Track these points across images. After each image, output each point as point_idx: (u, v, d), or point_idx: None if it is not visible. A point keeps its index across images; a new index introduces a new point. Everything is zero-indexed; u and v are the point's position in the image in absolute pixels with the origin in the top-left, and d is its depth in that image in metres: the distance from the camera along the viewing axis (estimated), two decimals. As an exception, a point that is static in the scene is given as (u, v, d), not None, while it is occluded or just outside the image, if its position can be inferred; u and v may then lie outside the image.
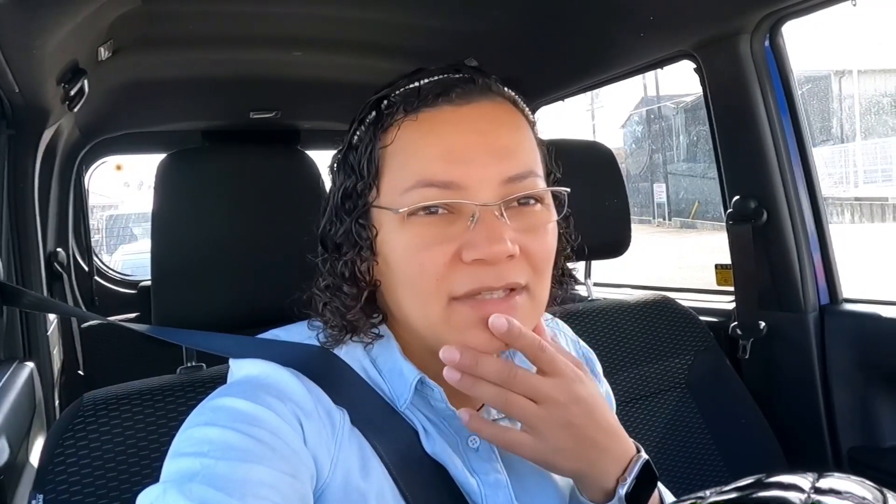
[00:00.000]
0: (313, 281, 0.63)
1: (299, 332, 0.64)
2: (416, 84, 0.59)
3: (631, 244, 1.33)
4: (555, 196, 0.62)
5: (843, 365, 1.34)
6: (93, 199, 2.68)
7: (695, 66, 1.46)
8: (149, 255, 0.81)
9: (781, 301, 1.41)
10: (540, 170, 0.60)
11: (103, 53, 1.36)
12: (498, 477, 0.62)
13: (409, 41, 1.62)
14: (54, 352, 1.49)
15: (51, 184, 1.97)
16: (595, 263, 1.41)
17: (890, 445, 1.30)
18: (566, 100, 1.94)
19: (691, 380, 1.32)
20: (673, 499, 0.68)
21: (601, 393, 0.62)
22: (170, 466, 0.51)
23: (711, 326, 1.42)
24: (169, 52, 1.58)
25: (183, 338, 0.77)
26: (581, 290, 1.42)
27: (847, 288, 1.43)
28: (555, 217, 0.60)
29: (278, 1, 1.40)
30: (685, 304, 1.43)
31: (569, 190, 0.62)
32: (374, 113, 0.60)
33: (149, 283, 0.83)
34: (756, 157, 1.38)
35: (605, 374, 0.81)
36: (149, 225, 0.82)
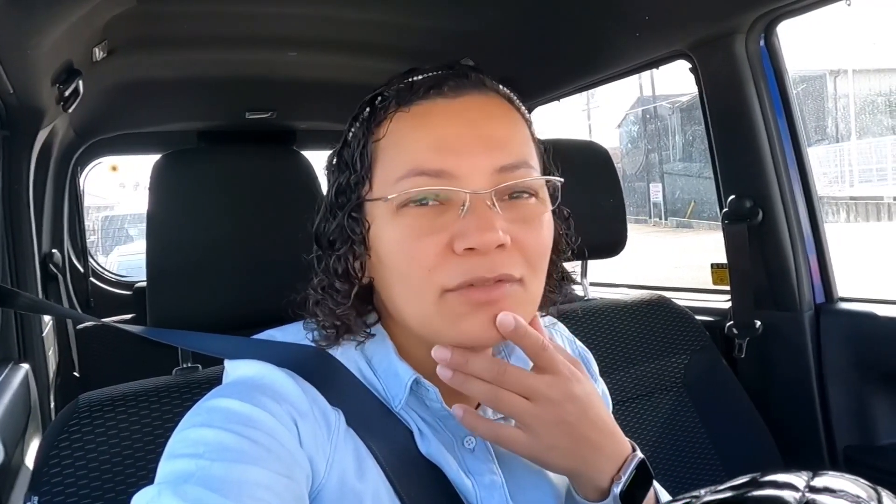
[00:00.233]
0: (309, 281, 0.63)
1: (295, 333, 0.64)
2: (409, 80, 0.59)
3: (627, 244, 1.33)
4: (551, 192, 0.62)
5: (839, 364, 1.35)
6: (88, 200, 2.67)
7: (690, 65, 1.46)
8: (144, 257, 0.81)
9: (777, 300, 1.42)
10: (534, 162, 0.60)
11: (98, 54, 1.35)
12: (493, 478, 0.62)
13: (404, 41, 1.62)
14: (49, 353, 1.49)
15: (46, 185, 1.96)
16: (591, 263, 1.41)
17: (885, 444, 1.31)
18: (562, 100, 1.94)
19: (688, 379, 1.32)
20: (669, 498, 0.68)
21: (597, 392, 0.62)
22: (165, 468, 0.50)
23: (707, 326, 1.42)
24: (164, 52, 1.58)
25: (178, 339, 0.77)
26: (577, 290, 1.43)
27: (843, 287, 1.43)
28: (549, 210, 0.60)
29: (274, 1, 1.39)
30: (681, 303, 1.43)
31: (562, 180, 0.62)
32: (367, 110, 0.60)
33: (144, 284, 0.83)
34: (751, 157, 1.39)
35: (602, 374, 0.81)
36: (144, 226, 0.81)
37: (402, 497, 0.57)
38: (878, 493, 0.32)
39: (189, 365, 0.89)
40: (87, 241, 2.54)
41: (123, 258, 6.28)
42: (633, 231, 1.42)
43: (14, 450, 1.04)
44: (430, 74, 0.59)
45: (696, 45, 1.40)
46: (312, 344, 0.62)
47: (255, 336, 0.65)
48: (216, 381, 0.62)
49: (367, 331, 0.62)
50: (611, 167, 1.33)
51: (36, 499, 0.72)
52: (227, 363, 0.64)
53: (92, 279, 2.47)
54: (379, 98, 0.60)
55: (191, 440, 0.52)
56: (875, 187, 12.83)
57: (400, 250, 0.56)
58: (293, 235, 0.67)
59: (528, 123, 0.63)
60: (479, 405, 0.63)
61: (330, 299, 0.60)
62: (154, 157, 0.84)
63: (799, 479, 0.32)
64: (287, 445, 0.53)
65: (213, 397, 0.56)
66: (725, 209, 1.44)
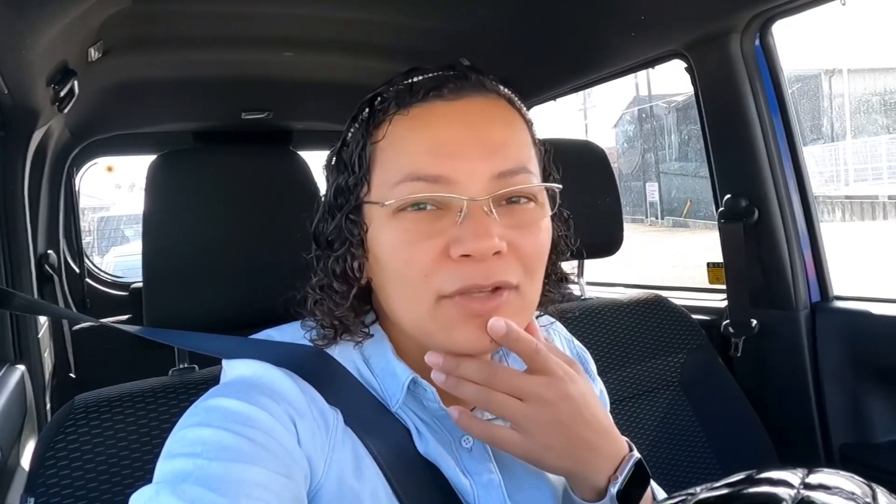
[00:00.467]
0: (307, 280, 0.63)
1: (293, 332, 0.64)
2: (409, 81, 0.59)
3: (624, 243, 1.33)
4: (550, 195, 0.62)
5: (835, 362, 1.35)
6: (84, 201, 2.67)
7: (686, 65, 1.47)
8: (140, 257, 0.81)
9: (773, 299, 1.42)
10: (534, 167, 0.60)
11: (93, 54, 1.35)
12: (491, 477, 0.62)
13: (400, 41, 1.62)
14: (45, 354, 1.48)
15: (41, 185, 1.95)
16: (588, 263, 1.42)
17: (881, 441, 1.31)
18: (558, 99, 1.94)
19: (684, 378, 1.32)
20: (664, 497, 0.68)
21: (594, 392, 0.62)
22: (163, 467, 0.50)
23: (704, 325, 1.43)
24: (159, 52, 1.57)
25: (175, 339, 0.77)
26: (574, 290, 1.43)
27: (838, 285, 1.44)
28: (548, 215, 0.60)
29: (269, 1, 1.39)
30: (678, 302, 1.43)
31: (560, 186, 0.62)
32: (367, 111, 0.60)
33: (140, 284, 0.82)
34: (747, 156, 1.39)
35: (598, 373, 0.81)
36: (140, 227, 0.81)
37: (400, 496, 0.57)
38: (873, 490, 0.32)
39: (186, 365, 0.89)
40: (83, 241, 2.54)
41: (120, 259, 6.27)
42: (630, 230, 1.43)
43: (10, 451, 1.03)
44: (430, 75, 0.59)
45: (692, 44, 1.40)
46: (310, 344, 0.62)
47: (253, 336, 0.65)
48: (213, 381, 0.62)
49: (365, 331, 0.62)
50: (607, 167, 1.33)
51: (32, 500, 0.72)
52: (224, 363, 0.63)
53: (88, 280, 2.47)
54: (378, 99, 0.59)
55: (189, 439, 0.52)
56: (870, 186, 12.87)
57: (396, 254, 0.56)
58: (290, 236, 0.67)
59: (529, 125, 0.63)
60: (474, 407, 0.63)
61: (328, 299, 0.60)
62: (150, 158, 0.84)
63: (794, 476, 0.32)
64: (285, 445, 0.53)
65: (211, 397, 0.56)
66: (721, 208, 1.45)
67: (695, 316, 1.43)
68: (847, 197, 12.63)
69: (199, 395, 0.57)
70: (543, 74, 1.78)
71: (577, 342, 0.81)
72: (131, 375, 0.87)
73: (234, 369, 0.61)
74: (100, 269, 2.72)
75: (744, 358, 1.44)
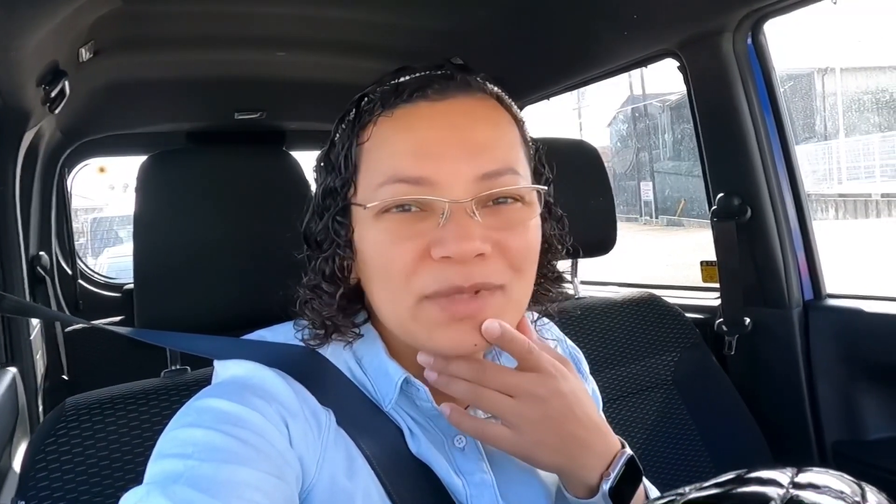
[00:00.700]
0: (299, 280, 0.63)
1: (285, 333, 0.64)
2: (395, 81, 0.58)
3: (618, 242, 1.34)
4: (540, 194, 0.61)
5: (827, 360, 1.36)
6: (77, 202, 2.65)
7: (678, 64, 1.47)
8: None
9: (766, 297, 1.42)
10: (522, 168, 0.59)
11: (84, 54, 1.34)
12: (483, 476, 0.62)
13: (393, 41, 1.61)
14: (37, 356, 1.48)
15: (32, 187, 1.94)
16: (582, 262, 1.42)
17: (874, 438, 1.32)
18: (552, 98, 1.94)
19: (678, 376, 1.32)
20: (658, 494, 0.68)
21: (584, 389, 0.62)
22: (153, 468, 0.50)
23: (697, 323, 1.43)
24: (151, 52, 1.57)
25: (167, 340, 0.76)
26: (568, 289, 1.43)
27: (832, 284, 1.44)
28: (537, 215, 0.60)
29: (262, 1, 1.39)
30: (672, 301, 1.44)
31: (545, 188, 0.61)
32: (353, 111, 0.60)
33: (133, 285, 0.82)
34: (740, 155, 1.39)
35: (592, 372, 0.81)
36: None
37: (392, 496, 0.57)
38: (863, 489, 0.32)
39: (178, 367, 0.88)
40: (76, 243, 2.52)
41: (113, 260, 6.24)
42: (624, 229, 1.43)
43: (1, 454, 1.03)
44: (416, 75, 0.58)
45: (684, 43, 1.40)
46: (302, 344, 0.62)
47: (245, 336, 0.65)
48: (206, 382, 0.62)
49: (357, 331, 0.62)
50: (601, 166, 1.33)
51: (23, 503, 0.71)
52: (216, 364, 0.63)
53: (80, 281, 2.46)
54: (365, 100, 0.59)
55: (180, 440, 0.51)
56: (863, 184, 12.93)
57: (379, 254, 0.56)
58: (282, 236, 0.67)
59: (520, 124, 0.62)
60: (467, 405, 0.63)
61: (318, 299, 0.61)
62: (143, 159, 0.83)
63: (783, 475, 0.32)
64: (277, 445, 0.53)
65: (202, 397, 0.56)
66: (714, 207, 1.45)
67: (688, 314, 1.43)
68: (840, 195, 12.68)
69: (191, 397, 0.57)
70: (536, 74, 1.78)
71: (569, 342, 0.81)
72: (124, 377, 0.87)
73: (226, 370, 0.61)
74: (92, 271, 2.71)
75: (737, 356, 1.44)
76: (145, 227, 0.81)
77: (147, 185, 0.82)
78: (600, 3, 1.37)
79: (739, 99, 1.37)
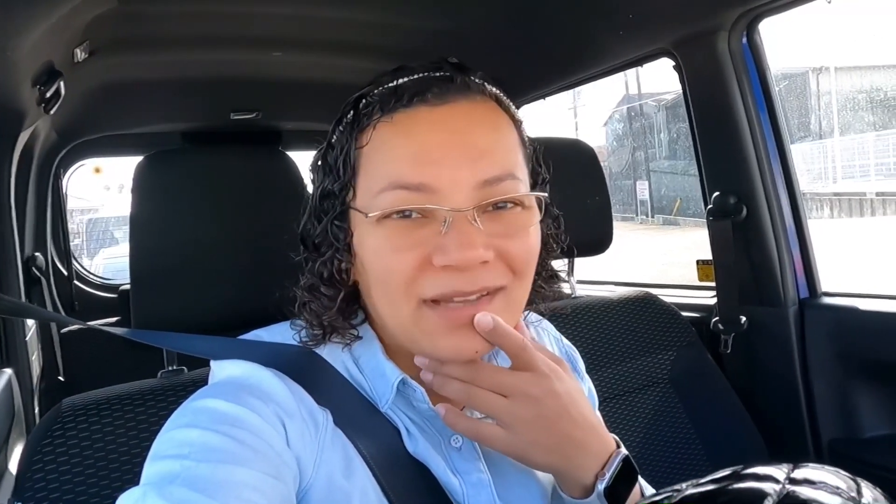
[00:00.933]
0: (296, 280, 0.63)
1: (282, 333, 0.64)
2: (395, 83, 0.58)
3: (614, 241, 1.34)
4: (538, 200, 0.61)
5: (823, 358, 1.36)
6: (72, 203, 2.65)
7: (674, 63, 1.47)
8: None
9: (762, 296, 1.43)
10: (521, 172, 0.59)
11: (79, 55, 1.34)
12: (480, 476, 0.62)
13: (389, 40, 1.61)
14: (33, 358, 1.47)
15: (28, 187, 1.94)
16: (578, 261, 1.42)
17: (869, 436, 1.32)
18: (547, 98, 1.94)
19: (674, 375, 1.33)
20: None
21: (580, 389, 0.62)
22: (150, 469, 0.50)
23: (693, 322, 1.44)
24: (147, 53, 1.56)
25: (163, 340, 0.76)
26: (565, 288, 1.43)
27: (827, 282, 1.45)
28: (537, 219, 0.59)
29: (258, 1, 1.39)
30: (668, 300, 1.44)
31: (546, 195, 0.61)
32: (351, 113, 0.59)
33: (129, 286, 0.82)
34: (735, 154, 1.40)
35: (589, 371, 0.82)
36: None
37: (389, 496, 0.57)
38: (858, 484, 0.32)
39: (175, 367, 0.88)
40: (72, 244, 2.52)
41: (109, 261, 6.22)
42: (620, 229, 1.43)
43: (-3, 455, 1.03)
44: (415, 77, 0.58)
45: (680, 42, 1.40)
46: (299, 344, 0.62)
47: (242, 337, 0.65)
48: (202, 383, 0.62)
49: (355, 332, 0.62)
50: (597, 165, 1.33)
51: (19, 504, 0.71)
52: (213, 364, 0.63)
53: (76, 282, 2.45)
54: (363, 102, 0.59)
55: (176, 441, 0.51)
56: (858, 183, 12.97)
57: (379, 261, 0.56)
58: (278, 236, 0.67)
59: (518, 125, 0.62)
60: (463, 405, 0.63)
61: (316, 302, 0.60)
62: (139, 159, 0.83)
63: (779, 471, 0.32)
64: (274, 445, 0.53)
65: (199, 398, 0.56)
66: (710, 206, 1.45)
67: (685, 313, 1.44)
68: (835, 194, 12.72)
69: (187, 398, 0.57)
70: (532, 73, 1.79)
71: (565, 341, 0.81)
72: (120, 378, 0.87)
73: (223, 370, 0.61)
74: (88, 272, 2.70)
75: (733, 354, 1.45)
76: (141, 227, 0.80)
77: (143, 185, 0.81)
78: (596, 3, 1.37)
79: (735, 98, 1.37)
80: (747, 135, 1.38)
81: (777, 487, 0.30)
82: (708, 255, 1.51)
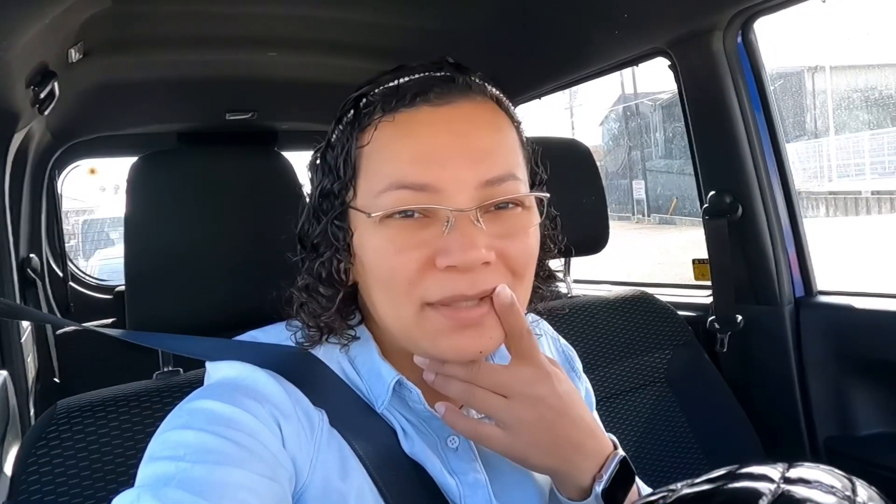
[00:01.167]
0: (292, 281, 0.63)
1: (277, 334, 0.64)
2: (395, 83, 0.58)
3: (610, 241, 1.34)
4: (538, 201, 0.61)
5: (819, 356, 1.36)
6: (68, 204, 2.64)
7: (669, 62, 1.47)
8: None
9: (758, 294, 1.43)
10: (521, 172, 0.59)
11: (74, 55, 1.33)
12: (477, 477, 0.62)
13: (385, 40, 1.61)
14: (28, 359, 1.46)
15: (22, 189, 1.93)
16: (574, 260, 1.42)
17: (865, 434, 1.33)
18: (543, 98, 1.95)
19: (670, 374, 1.33)
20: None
21: (577, 391, 0.62)
22: (145, 471, 0.50)
23: (690, 321, 1.44)
24: (141, 53, 1.56)
25: (158, 342, 0.76)
26: (561, 287, 1.43)
27: (823, 280, 1.45)
28: (537, 221, 0.59)
29: (253, 1, 1.38)
30: (664, 299, 1.44)
31: (548, 195, 0.61)
32: (352, 112, 0.59)
33: (124, 287, 0.81)
34: (730, 153, 1.40)
35: (585, 370, 0.81)
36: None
37: (385, 496, 0.57)
38: (853, 483, 0.32)
39: (170, 369, 0.88)
40: (67, 245, 2.51)
41: (104, 262, 6.20)
42: (617, 228, 1.43)
43: (-8, 458, 1.02)
44: (416, 76, 0.58)
45: (675, 42, 1.41)
46: (295, 345, 0.62)
47: (238, 338, 0.64)
48: (198, 384, 0.62)
49: (352, 333, 0.62)
50: (593, 165, 1.33)
51: (14, 507, 0.71)
52: (208, 365, 0.63)
53: (71, 283, 2.45)
54: (363, 101, 0.58)
55: (172, 442, 0.51)
56: (853, 182, 13.01)
57: (381, 261, 0.55)
58: (274, 237, 0.67)
59: (517, 126, 0.62)
60: (461, 406, 0.63)
61: (314, 303, 0.60)
62: (133, 160, 0.83)
63: (774, 470, 0.32)
64: (269, 447, 0.53)
65: (194, 399, 0.56)
66: (706, 205, 1.46)
67: (681, 312, 1.44)
68: (831, 193, 12.76)
69: (183, 399, 0.57)
70: (528, 73, 1.79)
71: (562, 340, 0.81)
72: (116, 379, 0.86)
73: (218, 371, 0.61)
74: (83, 273, 2.70)
75: (729, 353, 1.45)
76: (136, 228, 0.80)
77: (138, 186, 0.81)
78: (592, 3, 1.37)
79: (730, 97, 1.37)
80: (743, 134, 1.38)
81: (772, 487, 0.30)
82: (704, 254, 1.52)
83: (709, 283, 1.52)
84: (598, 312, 1.33)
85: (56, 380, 1.82)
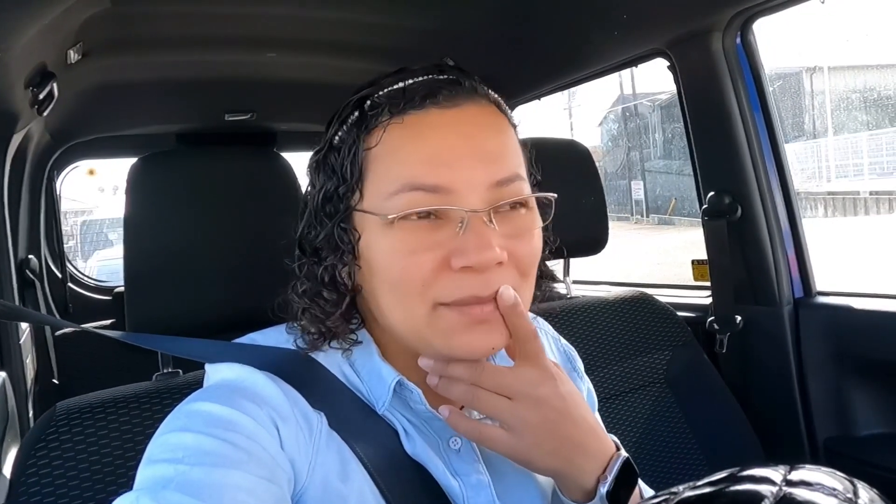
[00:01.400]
0: (290, 285, 0.62)
1: (277, 336, 0.64)
2: (401, 85, 0.57)
3: (609, 241, 1.34)
4: (540, 200, 0.61)
5: (818, 357, 1.36)
6: (66, 205, 2.64)
7: (668, 63, 1.47)
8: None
9: (757, 295, 1.43)
10: (525, 173, 0.60)
11: (73, 56, 1.33)
12: (480, 478, 0.61)
13: (384, 41, 1.61)
14: (27, 361, 1.46)
15: (21, 190, 1.93)
16: (574, 261, 1.42)
17: (865, 435, 1.33)
18: (542, 98, 1.95)
19: (670, 375, 1.33)
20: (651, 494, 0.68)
21: (579, 392, 0.62)
22: (144, 473, 0.50)
23: (689, 321, 1.44)
24: (140, 54, 1.56)
25: (157, 343, 0.76)
26: (560, 288, 1.43)
27: (822, 281, 1.45)
28: (540, 221, 0.60)
29: (252, 1, 1.38)
30: (663, 299, 1.44)
31: (556, 196, 0.61)
32: (356, 113, 0.58)
33: (123, 289, 0.81)
34: (729, 153, 1.40)
35: (585, 371, 0.81)
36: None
37: (387, 498, 0.57)
38: (854, 486, 0.32)
39: (170, 370, 0.88)
40: (66, 246, 2.51)
41: (103, 263, 6.19)
42: (616, 229, 1.44)
43: (-9, 459, 1.02)
44: (422, 79, 0.58)
45: (674, 42, 1.41)
46: (294, 347, 0.62)
47: (237, 340, 0.64)
48: (197, 385, 0.62)
49: (354, 337, 0.62)
50: (592, 165, 1.34)
51: (13, 509, 0.71)
52: (207, 367, 0.63)
53: (70, 285, 2.44)
54: (369, 103, 0.58)
55: (170, 445, 0.51)
56: (852, 182, 13.02)
57: (393, 263, 0.55)
58: (273, 238, 0.67)
59: (515, 128, 0.63)
60: (461, 407, 0.63)
61: (317, 307, 0.60)
62: (132, 161, 0.83)
63: (776, 473, 0.32)
64: (268, 449, 0.52)
65: (192, 401, 0.56)
66: (705, 205, 1.46)
67: (680, 313, 1.44)
68: (829, 193, 12.77)
69: (183, 400, 0.57)
70: (527, 74, 1.79)
71: (563, 340, 0.81)
72: (115, 381, 0.86)
73: (217, 373, 0.61)
74: (82, 274, 2.69)
75: (729, 354, 1.45)
76: (135, 229, 0.80)
77: (137, 187, 0.81)
78: (591, 3, 1.37)
79: (729, 98, 1.37)
80: (742, 135, 1.38)
81: (773, 490, 0.30)
82: (703, 255, 1.52)
83: (708, 283, 1.52)
84: (598, 313, 1.33)
85: (55, 381, 1.82)
